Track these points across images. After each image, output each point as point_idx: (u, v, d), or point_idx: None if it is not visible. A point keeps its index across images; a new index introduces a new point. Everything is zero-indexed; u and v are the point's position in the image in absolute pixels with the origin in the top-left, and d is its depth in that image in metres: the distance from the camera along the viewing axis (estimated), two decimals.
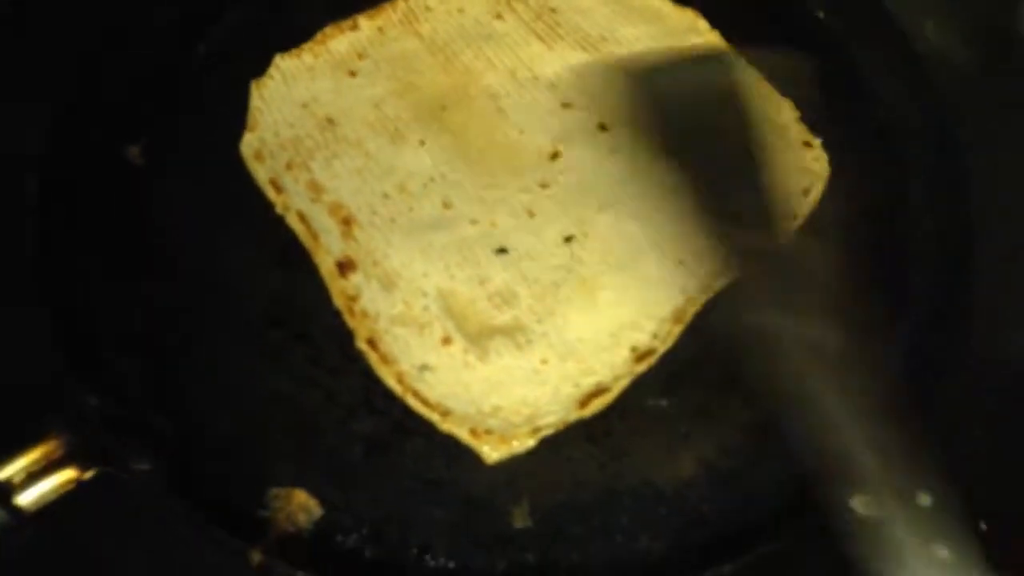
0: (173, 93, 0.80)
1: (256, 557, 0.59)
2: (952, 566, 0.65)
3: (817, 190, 0.76)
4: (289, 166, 0.76)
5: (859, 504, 0.66)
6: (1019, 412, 0.70)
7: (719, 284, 0.71)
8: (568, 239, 0.73)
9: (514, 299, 0.70)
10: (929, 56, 0.82)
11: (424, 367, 0.68)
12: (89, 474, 0.59)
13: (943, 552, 0.65)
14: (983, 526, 0.66)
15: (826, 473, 0.66)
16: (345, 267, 0.71)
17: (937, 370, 0.68)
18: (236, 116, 0.78)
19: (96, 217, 0.73)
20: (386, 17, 0.85)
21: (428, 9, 0.86)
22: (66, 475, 0.58)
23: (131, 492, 0.61)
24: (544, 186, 0.76)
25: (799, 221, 0.75)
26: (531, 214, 0.74)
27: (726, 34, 0.85)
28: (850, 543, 0.65)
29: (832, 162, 0.78)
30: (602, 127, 0.79)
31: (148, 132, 0.77)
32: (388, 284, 0.71)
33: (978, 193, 0.74)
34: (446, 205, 0.75)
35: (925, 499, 0.67)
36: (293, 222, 0.73)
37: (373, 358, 0.68)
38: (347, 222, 0.73)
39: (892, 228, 0.75)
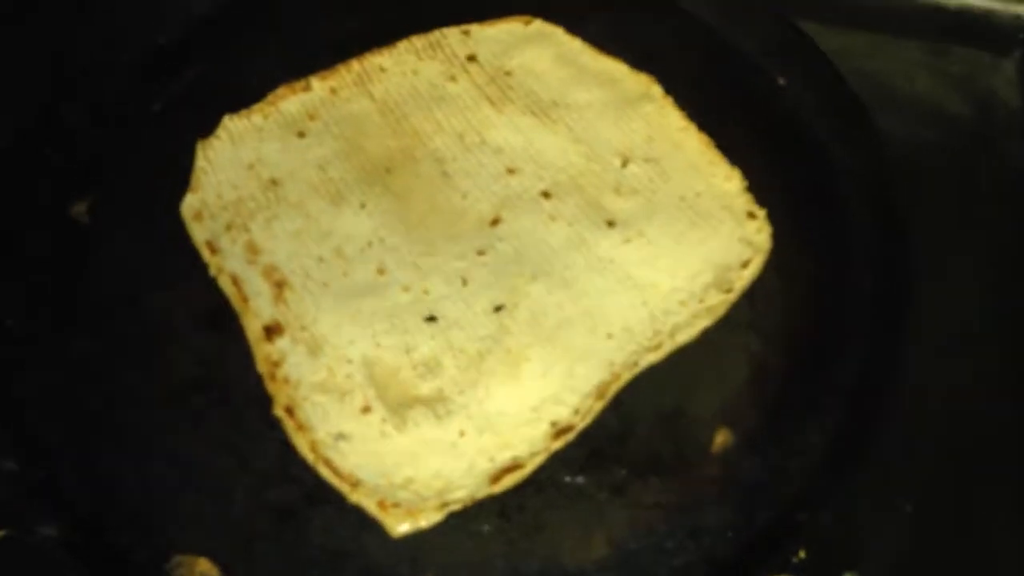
0: (123, 152, 0.81)
1: None
2: None
3: (757, 263, 0.75)
4: (228, 227, 0.77)
5: None
6: (947, 494, 0.68)
7: (646, 361, 0.70)
8: (498, 308, 0.73)
9: (438, 368, 0.70)
10: (885, 130, 0.81)
11: (340, 436, 0.67)
12: None
13: None
14: None
15: (740, 557, 0.65)
16: (272, 331, 0.72)
17: (863, 451, 0.66)
18: (183, 176, 0.79)
19: (34, 274, 0.75)
20: (340, 78, 0.86)
21: (382, 70, 0.87)
22: None
23: (37, 556, 0.61)
24: (481, 253, 0.76)
25: (735, 295, 0.73)
26: (464, 282, 0.74)
27: (681, 100, 0.85)
28: None
29: (775, 237, 0.76)
30: (545, 194, 0.79)
31: (96, 189, 0.79)
32: (314, 349, 0.71)
33: (918, 268, 0.73)
34: (380, 271, 0.75)
35: None
36: (225, 284, 0.74)
37: (290, 425, 0.68)
38: (280, 285, 0.74)
39: (827, 311, 0.73)
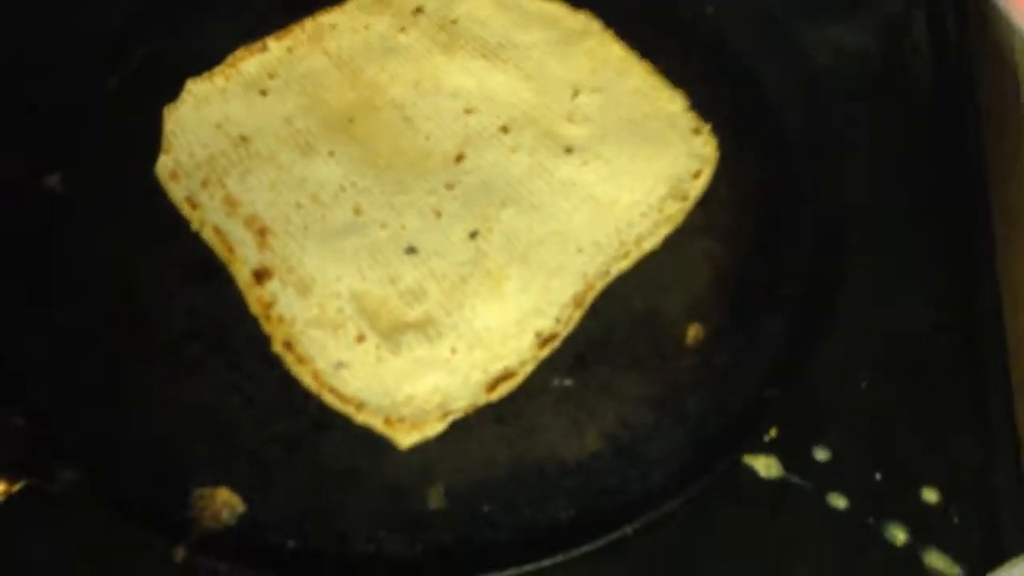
0: (89, 122, 0.83)
1: (180, 554, 0.62)
2: (848, 515, 0.69)
3: (707, 173, 0.80)
4: (204, 184, 0.79)
5: (759, 464, 0.71)
6: (903, 371, 0.74)
7: (616, 269, 0.75)
8: (473, 235, 0.77)
9: (424, 295, 0.74)
10: (818, 49, 0.87)
11: (340, 364, 0.71)
12: (17, 487, 0.62)
13: (840, 502, 0.70)
14: (878, 476, 0.71)
15: (724, 438, 0.70)
16: (261, 275, 0.75)
17: (817, 336, 0.72)
18: (151, 142, 0.81)
19: (15, 246, 0.76)
20: (294, 37, 0.89)
21: (335, 27, 0.90)
22: None
23: (58, 504, 0.64)
24: (450, 187, 0.79)
25: (690, 203, 0.79)
26: (438, 214, 0.78)
27: (620, 33, 0.90)
28: (748, 500, 0.69)
29: (722, 148, 0.82)
30: (504, 129, 0.83)
31: (66, 162, 0.81)
32: (303, 289, 0.74)
33: (856, 179, 0.79)
34: (357, 211, 0.78)
35: (822, 454, 0.72)
36: (209, 236, 0.76)
37: (290, 359, 0.71)
38: (262, 233, 0.77)
39: (775, 209, 0.79)
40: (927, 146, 0.84)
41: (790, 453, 0.71)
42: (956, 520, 0.69)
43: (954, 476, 0.70)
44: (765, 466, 0.71)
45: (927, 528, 0.68)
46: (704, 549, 0.67)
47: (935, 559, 0.67)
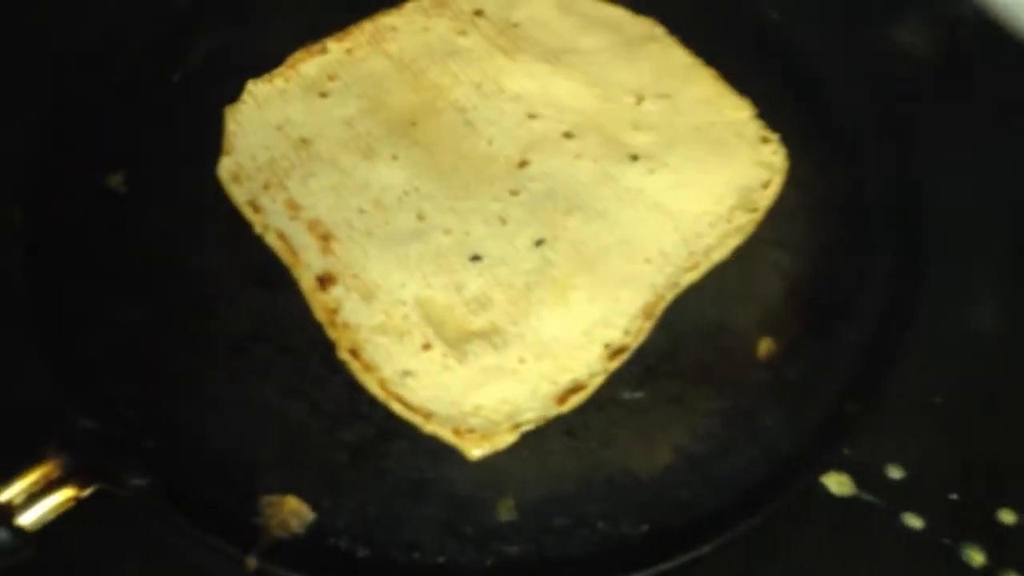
0: (150, 123, 0.82)
1: (252, 563, 0.61)
2: (924, 535, 0.68)
3: (776, 183, 0.79)
4: (266, 187, 0.78)
5: (832, 482, 0.69)
6: (978, 386, 0.73)
7: (686, 281, 0.74)
8: (539, 243, 0.76)
9: (489, 303, 0.73)
10: (886, 53, 0.86)
11: (406, 373, 0.70)
12: (87, 492, 0.61)
13: (916, 522, 0.68)
14: (954, 496, 0.69)
15: (798, 454, 0.69)
16: (325, 281, 0.74)
17: (896, 349, 0.70)
18: (211, 141, 0.81)
19: (81, 245, 0.75)
20: (354, 39, 0.88)
21: (394, 29, 0.89)
22: (65, 494, 0.60)
23: (128, 508, 0.63)
24: (514, 193, 0.78)
25: (760, 214, 0.77)
26: (503, 221, 0.77)
27: (684, 39, 0.88)
28: (824, 519, 0.68)
29: (791, 157, 0.81)
30: (567, 135, 0.82)
31: (128, 160, 0.80)
32: (368, 295, 0.73)
33: (929, 185, 0.78)
34: (420, 217, 0.77)
35: (896, 472, 0.70)
36: (272, 240, 0.76)
37: (356, 367, 0.70)
38: (325, 238, 0.76)
39: (848, 219, 0.78)
40: (1000, 149, 0.83)
41: (863, 470, 0.70)
42: None
43: None
44: (838, 483, 0.70)
45: (1005, 550, 0.67)
46: (777, 569, 0.66)
47: None
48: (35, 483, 0.60)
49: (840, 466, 0.70)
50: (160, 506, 0.63)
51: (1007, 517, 0.69)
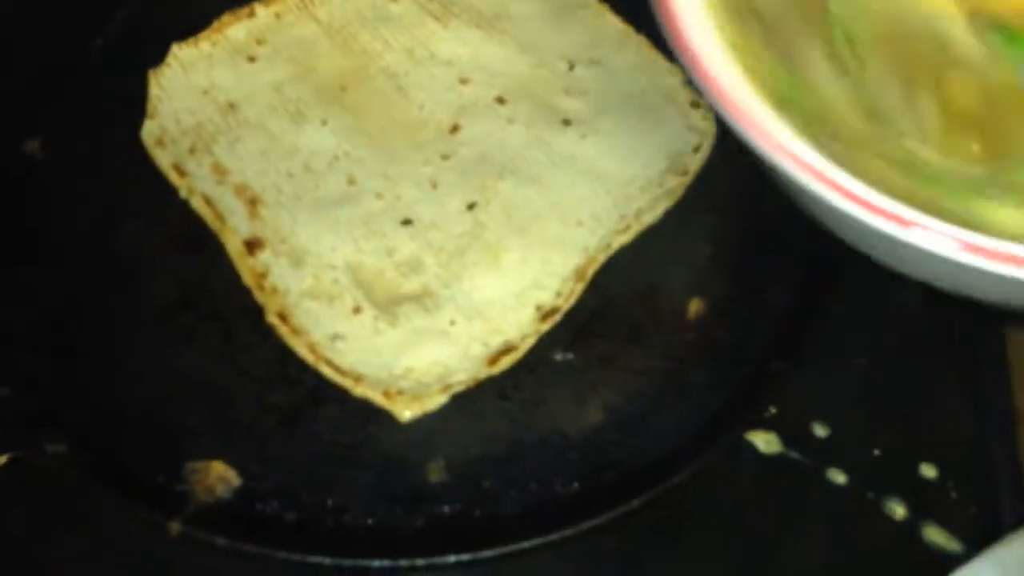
0: (71, 86, 0.80)
1: (175, 528, 0.60)
2: (847, 490, 0.69)
3: (706, 147, 0.80)
4: (192, 151, 0.77)
5: (759, 440, 0.70)
6: (900, 344, 0.74)
7: (617, 243, 0.74)
8: (471, 207, 0.75)
9: (421, 267, 0.73)
10: None
11: (336, 336, 0.69)
12: (2, 460, 0.60)
13: (839, 477, 0.70)
14: (877, 452, 0.71)
15: (726, 412, 0.70)
16: (253, 245, 0.73)
17: (821, 309, 0.72)
18: (136, 107, 0.79)
19: None
20: (282, 3, 0.86)
21: None
22: None
23: (47, 476, 0.61)
24: (445, 158, 0.78)
25: (690, 177, 0.78)
26: (434, 185, 0.76)
27: (615, 6, 0.88)
28: (750, 474, 0.69)
29: (720, 121, 0.81)
30: (500, 100, 0.81)
31: (47, 126, 0.78)
32: (297, 260, 0.72)
33: None
34: (351, 181, 0.76)
35: (821, 430, 0.72)
36: (198, 205, 0.74)
37: (284, 331, 0.69)
38: (253, 202, 0.75)
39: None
40: None
41: (790, 429, 0.71)
42: (954, 495, 0.68)
43: (952, 451, 0.70)
44: (765, 442, 0.71)
45: (926, 503, 0.68)
46: (705, 523, 0.67)
47: (934, 534, 0.68)
48: None
49: (768, 425, 0.71)
50: (81, 474, 0.62)
51: (928, 471, 0.70)
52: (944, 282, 0.53)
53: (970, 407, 0.72)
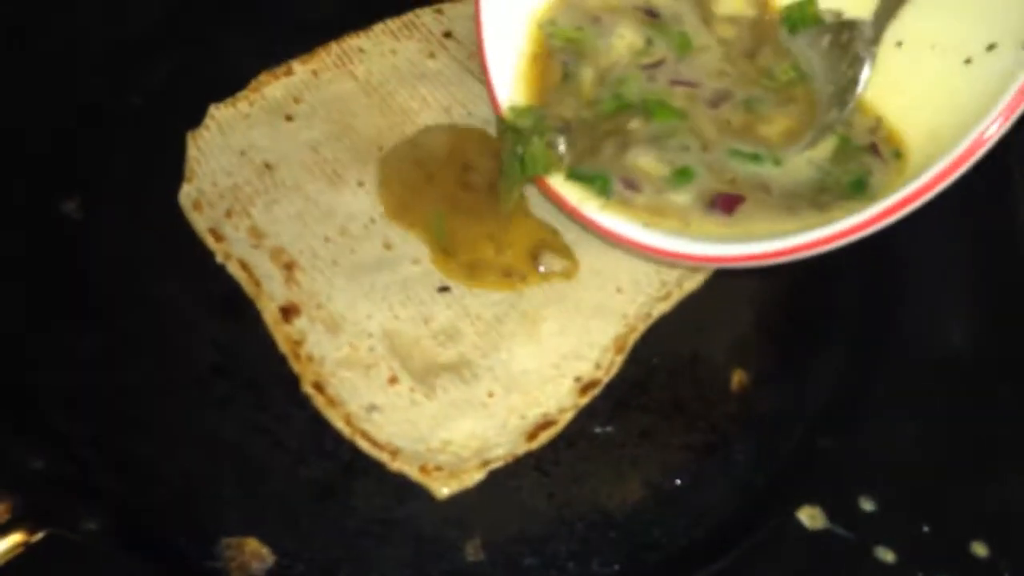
0: (108, 147, 0.80)
1: None
2: (896, 569, 0.67)
3: None
4: (229, 214, 0.76)
5: (804, 515, 0.68)
6: (949, 416, 0.72)
7: (657, 311, 0.73)
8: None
9: (458, 335, 0.72)
10: None
11: (372, 407, 0.68)
12: (38, 536, 0.59)
13: (888, 556, 0.68)
14: (926, 528, 0.68)
15: (770, 487, 0.68)
16: (289, 312, 0.72)
17: (868, 381, 0.70)
18: (172, 167, 0.78)
19: (33, 273, 0.73)
20: (320, 60, 0.86)
21: (361, 51, 0.87)
22: (13, 539, 0.58)
23: (81, 552, 0.61)
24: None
25: None
26: None
27: None
28: (796, 553, 0.67)
29: None
30: None
31: (84, 185, 0.78)
32: (333, 327, 0.72)
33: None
34: (387, 246, 0.76)
35: (868, 504, 0.69)
36: (235, 270, 0.74)
37: (320, 401, 0.68)
38: (289, 267, 0.74)
39: None
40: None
41: (836, 503, 0.69)
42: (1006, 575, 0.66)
43: (1004, 529, 0.68)
44: (810, 516, 0.69)
45: None
46: None
47: None
48: None
49: (812, 498, 0.69)
50: (114, 549, 0.61)
51: (979, 550, 0.68)
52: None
53: (1022, 482, 0.69)
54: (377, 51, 0.87)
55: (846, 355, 0.72)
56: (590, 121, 0.73)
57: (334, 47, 0.87)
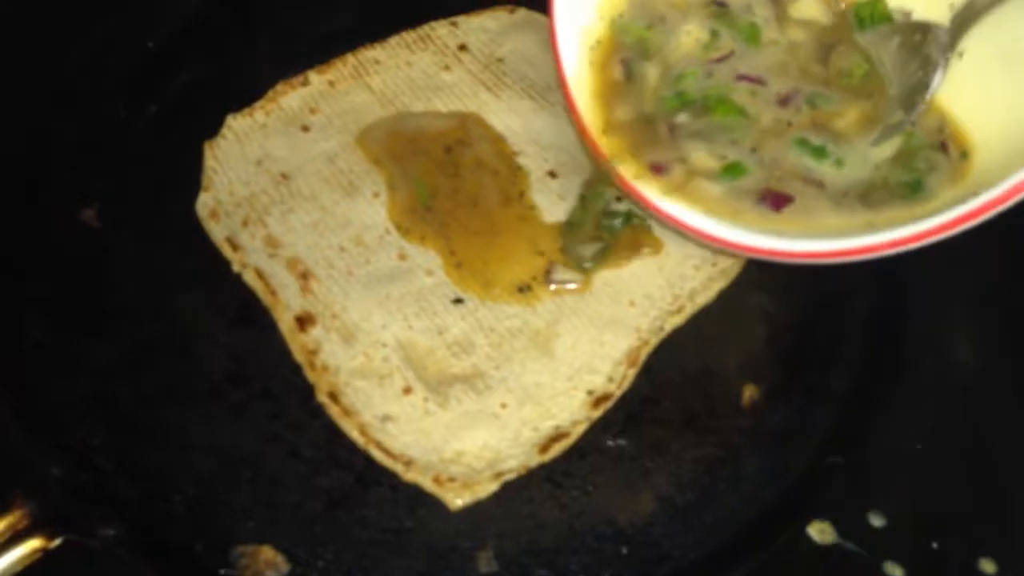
0: (126, 156, 0.81)
1: None
2: None
3: None
4: (245, 223, 0.77)
5: (814, 530, 0.69)
6: (959, 432, 0.72)
7: (670, 325, 0.74)
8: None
9: (472, 347, 0.72)
10: None
11: (386, 418, 0.69)
12: (55, 543, 0.59)
13: (897, 571, 0.68)
14: (935, 544, 0.69)
15: (780, 502, 0.68)
16: (304, 321, 0.72)
17: (878, 396, 0.70)
18: (190, 176, 0.79)
19: (52, 281, 0.74)
20: (336, 71, 0.87)
21: (377, 63, 0.88)
22: (32, 545, 0.59)
23: (98, 558, 0.61)
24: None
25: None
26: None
27: None
28: (806, 568, 0.67)
29: None
30: (551, 174, 0.81)
31: (102, 194, 0.78)
32: (348, 337, 0.72)
33: None
34: (402, 256, 0.76)
35: (878, 520, 0.70)
36: (251, 279, 0.74)
37: (335, 411, 0.69)
38: (305, 276, 0.75)
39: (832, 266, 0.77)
40: None
41: (845, 518, 0.69)
42: None
43: (1012, 546, 0.68)
44: (819, 531, 0.69)
45: None
46: None
47: None
48: (1, 534, 0.58)
49: (822, 513, 0.69)
50: (130, 556, 0.61)
51: (987, 567, 0.68)
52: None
53: None
54: (393, 63, 0.88)
55: (856, 371, 0.73)
56: (651, 117, 0.74)
57: (350, 58, 0.87)
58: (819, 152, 0.71)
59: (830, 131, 0.72)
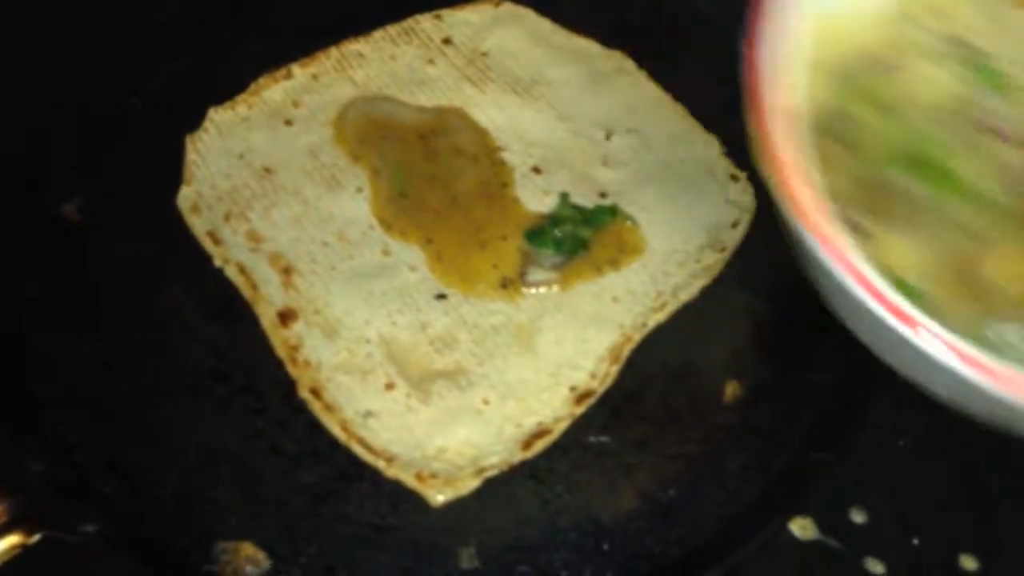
0: (107, 149, 0.80)
1: None
2: None
3: (745, 222, 0.79)
4: (227, 217, 0.76)
5: (796, 526, 0.69)
6: (940, 430, 0.72)
7: (653, 321, 0.74)
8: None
9: (455, 343, 0.72)
10: None
11: (368, 413, 0.69)
12: (35, 538, 0.59)
13: (878, 568, 0.68)
14: (916, 541, 0.69)
15: (763, 498, 0.68)
16: (286, 317, 0.72)
17: (862, 393, 0.70)
18: (171, 170, 0.79)
19: (32, 276, 0.73)
20: (319, 64, 0.86)
21: (361, 56, 0.87)
22: (10, 541, 0.58)
23: (78, 554, 0.61)
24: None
25: (728, 253, 0.77)
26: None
27: (653, 74, 0.88)
28: (788, 564, 0.67)
29: (759, 196, 0.80)
30: (536, 170, 0.81)
31: (84, 189, 0.78)
32: (330, 332, 0.72)
33: None
34: (385, 252, 0.76)
35: (859, 516, 0.70)
36: (232, 274, 0.74)
37: (317, 407, 0.69)
38: (287, 271, 0.74)
39: None
40: None
41: (827, 514, 0.69)
42: None
43: (993, 542, 0.69)
44: (801, 527, 0.69)
45: None
46: None
47: None
48: None
49: (804, 509, 0.69)
50: (111, 551, 0.61)
51: (968, 563, 0.69)
52: (944, 392, 0.55)
53: (1013, 497, 0.70)
54: (376, 56, 0.87)
55: (839, 368, 0.73)
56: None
57: (334, 51, 0.87)
58: None
59: None
